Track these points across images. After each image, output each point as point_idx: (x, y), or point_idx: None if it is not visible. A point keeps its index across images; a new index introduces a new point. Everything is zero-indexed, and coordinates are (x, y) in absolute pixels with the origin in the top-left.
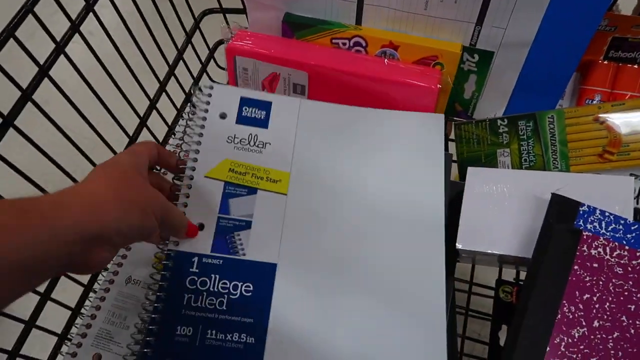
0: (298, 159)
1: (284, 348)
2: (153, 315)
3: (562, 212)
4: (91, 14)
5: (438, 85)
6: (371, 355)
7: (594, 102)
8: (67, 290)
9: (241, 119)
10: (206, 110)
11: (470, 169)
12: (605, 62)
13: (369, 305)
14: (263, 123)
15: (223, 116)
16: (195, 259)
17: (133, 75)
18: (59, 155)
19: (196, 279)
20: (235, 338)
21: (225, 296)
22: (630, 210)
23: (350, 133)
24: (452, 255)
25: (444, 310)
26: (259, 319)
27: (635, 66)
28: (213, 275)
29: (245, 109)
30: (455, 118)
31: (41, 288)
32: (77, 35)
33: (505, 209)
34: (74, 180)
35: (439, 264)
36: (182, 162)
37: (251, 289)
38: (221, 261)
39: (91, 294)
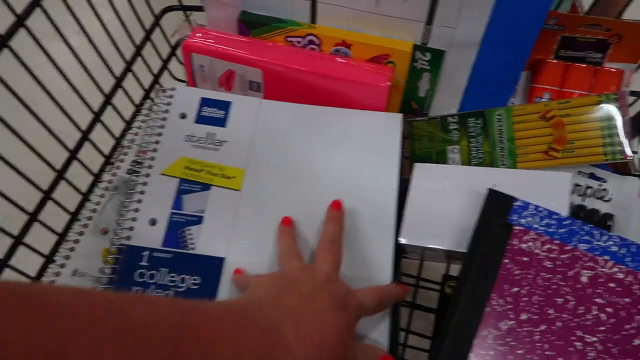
0: (254, 156)
1: None
2: None
3: (496, 206)
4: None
5: (388, 83)
6: None
7: (543, 100)
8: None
9: (200, 119)
10: (166, 111)
11: (416, 165)
12: (555, 61)
13: None
14: (221, 122)
15: (183, 116)
16: (146, 252)
17: (85, 70)
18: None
19: (145, 272)
20: None
21: (172, 289)
22: (566, 206)
23: (308, 132)
24: (399, 250)
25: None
26: None
27: (584, 65)
28: (162, 269)
29: (205, 109)
30: (411, 116)
31: None
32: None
33: (449, 205)
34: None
35: (388, 259)
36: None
37: (199, 282)
38: (171, 255)
39: None
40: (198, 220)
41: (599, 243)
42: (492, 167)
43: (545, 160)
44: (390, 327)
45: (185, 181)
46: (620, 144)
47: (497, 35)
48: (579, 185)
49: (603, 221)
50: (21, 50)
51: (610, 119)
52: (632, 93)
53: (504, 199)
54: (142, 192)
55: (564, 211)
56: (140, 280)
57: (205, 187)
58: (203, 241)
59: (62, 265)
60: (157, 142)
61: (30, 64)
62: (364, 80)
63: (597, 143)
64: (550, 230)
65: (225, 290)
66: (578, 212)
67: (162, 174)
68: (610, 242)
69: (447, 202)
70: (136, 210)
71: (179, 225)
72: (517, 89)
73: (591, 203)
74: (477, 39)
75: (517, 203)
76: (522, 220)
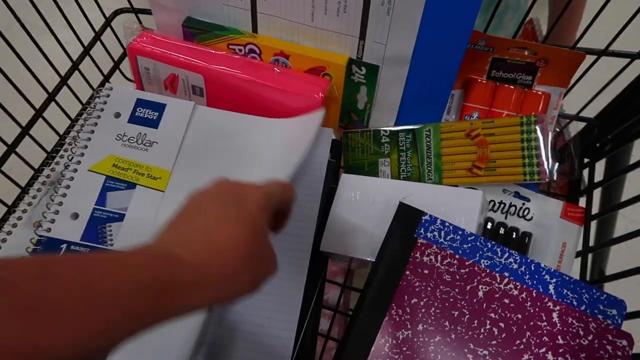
0: (182, 159)
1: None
2: None
3: (405, 219)
4: None
5: (322, 95)
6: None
7: (472, 118)
8: None
9: (134, 119)
10: (102, 109)
11: (342, 176)
12: (485, 81)
13: None
14: (154, 123)
15: (117, 115)
16: (64, 245)
17: (27, 68)
18: None
19: None
20: None
21: None
22: (474, 222)
23: (237, 139)
24: (323, 257)
25: (298, 309)
26: None
27: (512, 87)
28: None
29: (140, 110)
30: (350, 127)
31: None
32: None
33: (368, 216)
34: None
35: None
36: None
37: None
38: (88, 250)
39: None
40: (119, 217)
41: (500, 260)
42: (419, 181)
43: (469, 177)
44: (307, 334)
45: (112, 179)
46: (539, 164)
47: (424, 53)
48: (503, 203)
49: (522, 239)
50: None
51: (530, 140)
52: (561, 116)
53: (413, 212)
54: (67, 187)
55: (473, 227)
56: None
57: (131, 185)
58: (122, 238)
59: None
60: (88, 139)
61: None
62: (299, 90)
63: (518, 163)
64: (454, 245)
65: None
66: (498, 229)
67: (90, 170)
68: (511, 260)
69: (367, 213)
70: (60, 203)
71: (100, 221)
72: (451, 106)
73: (513, 221)
74: (407, 55)
75: (425, 217)
76: (429, 234)
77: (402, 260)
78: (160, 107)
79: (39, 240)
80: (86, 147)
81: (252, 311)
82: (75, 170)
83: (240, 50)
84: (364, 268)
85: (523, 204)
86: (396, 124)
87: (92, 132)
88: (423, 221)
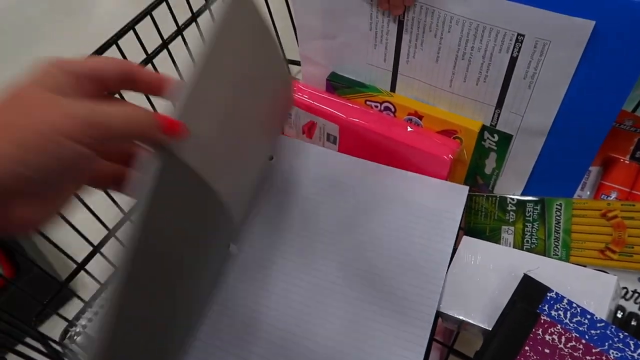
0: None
1: None
2: None
3: (529, 293)
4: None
5: (451, 156)
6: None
7: (610, 198)
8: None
9: None
10: None
11: (464, 238)
12: (628, 162)
13: None
14: None
15: None
16: None
17: None
18: None
19: None
20: None
21: None
22: (605, 308)
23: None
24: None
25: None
26: None
27: None
28: None
29: None
30: (475, 189)
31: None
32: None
33: (489, 283)
34: None
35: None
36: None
37: None
38: None
39: None
40: None
41: (633, 354)
42: (544, 254)
43: (600, 259)
44: None
45: None
46: None
47: (565, 128)
48: (637, 293)
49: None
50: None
51: None
52: None
53: (539, 287)
54: None
55: (603, 314)
56: None
57: None
58: None
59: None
60: None
61: None
62: (428, 149)
63: None
64: (580, 328)
65: None
66: (630, 320)
67: None
68: None
69: (486, 279)
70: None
71: None
72: (586, 182)
73: (632, 307)
74: (544, 129)
75: (551, 294)
76: (553, 312)
77: (522, 335)
78: None
79: None
80: None
81: None
82: None
83: (377, 106)
84: (469, 334)
85: None
86: (523, 194)
87: None
88: (548, 298)
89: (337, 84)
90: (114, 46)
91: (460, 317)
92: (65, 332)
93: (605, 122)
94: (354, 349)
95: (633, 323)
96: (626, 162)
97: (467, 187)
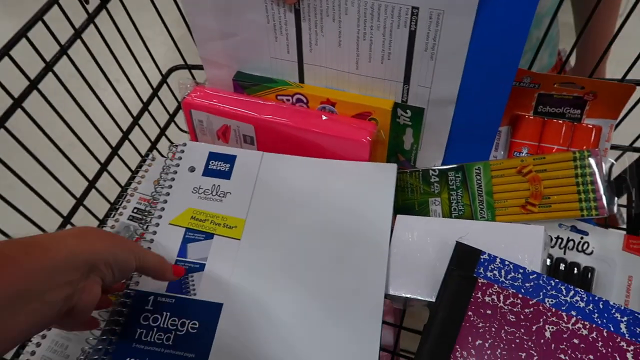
0: (255, 206)
1: None
2: (106, 347)
3: (464, 259)
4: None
5: (369, 138)
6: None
7: (522, 154)
8: None
9: (207, 172)
10: (177, 165)
11: (398, 217)
12: (532, 117)
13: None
14: (226, 174)
15: (192, 169)
16: (152, 297)
17: (93, 124)
18: None
19: (149, 315)
20: None
21: (173, 332)
22: (539, 259)
23: (307, 182)
24: None
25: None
26: (200, 355)
27: (560, 121)
28: (165, 313)
29: (212, 163)
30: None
31: None
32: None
33: (427, 256)
34: None
35: (379, 307)
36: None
37: (197, 326)
38: (174, 300)
39: None
40: (200, 267)
41: (566, 298)
42: (472, 219)
43: (522, 214)
44: None
45: (191, 230)
46: (596, 199)
47: (470, 93)
48: (560, 238)
49: (584, 274)
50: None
51: (584, 175)
52: (613, 147)
53: (471, 251)
54: (151, 241)
55: (537, 264)
56: (144, 323)
57: (209, 236)
58: (203, 287)
59: None
60: (167, 194)
61: (40, 118)
62: (346, 135)
63: (574, 199)
64: (515, 284)
65: (221, 336)
66: (558, 265)
67: (170, 224)
68: (577, 298)
69: (426, 253)
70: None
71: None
72: (499, 143)
73: (573, 256)
74: (452, 97)
75: (484, 256)
76: (488, 274)
77: (463, 301)
78: (231, 159)
79: (127, 293)
80: (165, 202)
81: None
82: (157, 225)
83: (289, 100)
84: (415, 308)
85: (581, 237)
86: (444, 163)
87: (170, 187)
88: (482, 260)
89: (245, 83)
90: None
91: (407, 295)
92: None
93: (506, 83)
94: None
95: (562, 267)
96: (530, 117)
97: (395, 165)
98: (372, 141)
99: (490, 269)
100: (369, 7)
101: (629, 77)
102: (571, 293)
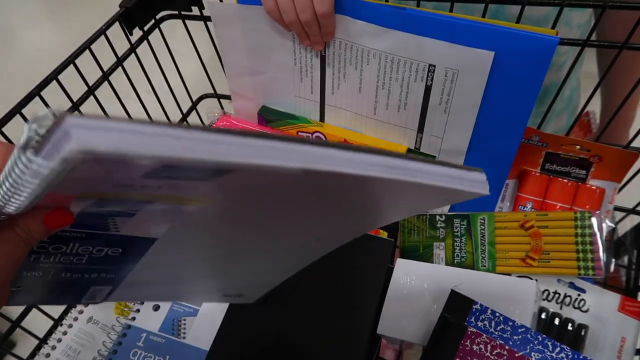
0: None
1: None
2: None
3: (456, 307)
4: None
5: None
6: None
7: (526, 209)
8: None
9: None
10: None
11: (398, 261)
12: (538, 174)
13: None
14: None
15: None
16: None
17: None
18: None
19: (140, 352)
20: None
21: None
22: (529, 312)
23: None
24: (375, 337)
25: None
26: None
27: (566, 180)
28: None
29: None
30: None
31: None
32: None
33: (423, 301)
34: None
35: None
36: None
37: None
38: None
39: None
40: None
41: (552, 354)
42: (473, 267)
43: (522, 266)
44: None
45: None
46: (594, 260)
47: (480, 146)
48: (557, 293)
49: (578, 331)
50: None
51: (584, 235)
52: (616, 209)
53: (465, 300)
54: None
55: (528, 316)
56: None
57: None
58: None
59: (81, 312)
60: None
61: None
62: None
63: (572, 257)
64: (504, 335)
65: None
66: (553, 319)
67: None
68: (562, 355)
69: (421, 298)
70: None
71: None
72: (505, 195)
73: (568, 312)
74: (462, 149)
75: (476, 306)
76: (479, 323)
77: (452, 348)
78: None
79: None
80: None
81: None
82: None
83: (308, 137)
84: (413, 350)
85: (578, 294)
86: (451, 209)
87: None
88: (474, 310)
89: (269, 117)
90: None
91: (399, 338)
92: None
93: (514, 140)
94: None
95: (556, 322)
96: (537, 174)
97: (392, 241)
98: None
99: (481, 319)
100: (389, 60)
101: (635, 144)
102: (557, 350)
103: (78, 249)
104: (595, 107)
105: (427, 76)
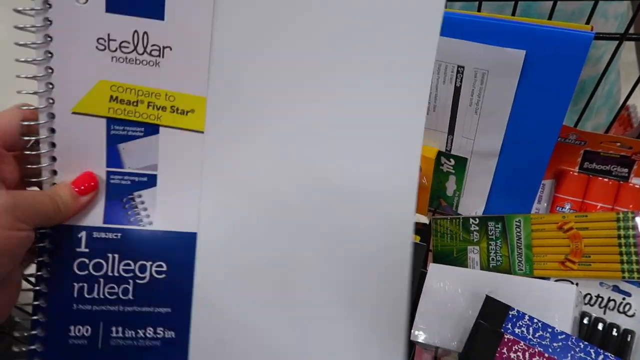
0: (219, 72)
1: (213, 342)
2: (34, 317)
3: (492, 313)
4: None
5: None
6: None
7: (564, 210)
8: None
9: (114, 3)
10: None
11: (431, 266)
12: (577, 173)
13: (319, 298)
14: (155, 10)
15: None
16: (83, 234)
17: None
18: None
19: (87, 261)
20: (150, 334)
21: (131, 281)
22: (569, 318)
23: (303, 21)
24: (410, 343)
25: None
26: (179, 307)
27: (606, 179)
28: (110, 255)
29: None
30: (439, 212)
31: None
32: None
33: (456, 306)
34: None
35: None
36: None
37: (164, 269)
38: (119, 234)
39: None
40: (150, 180)
41: None
42: (509, 270)
43: (561, 270)
44: None
45: (116, 122)
46: (639, 262)
47: (513, 148)
48: (600, 297)
49: (623, 337)
50: None
51: (627, 237)
52: None
53: (500, 306)
54: (53, 146)
55: (568, 322)
56: (83, 273)
57: (152, 129)
58: (162, 211)
59: None
60: (48, 54)
61: None
62: None
63: (615, 259)
64: (543, 343)
65: (203, 278)
66: (596, 324)
67: (74, 112)
68: None
69: (455, 303)
70: (54, 172)
71: (123, 190)
72: (542, 195)
73: (613, 317)
74: (495, 151)
75: (512, 312)
76: (516, 330)
77: (488, 355)
78: None
79: (43, 233)
80: (51, 70)
81: None
82: (52, 116)
83: None
84: (449, 357)
85: (623, 298)
86: (485, 211)
87: (49, 38)
88: (510, 316)
89: None
90: None
91: (434, 344)
92: None
93: (549, 139)
94: None
95: (599, 327)
96: (575, 173)
97: (425, 245)
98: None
99: (518, 325)
100: None
101: None
102: (600, 357)
103: (119, 268)
104: (635, 100)
105: (456, 77)
